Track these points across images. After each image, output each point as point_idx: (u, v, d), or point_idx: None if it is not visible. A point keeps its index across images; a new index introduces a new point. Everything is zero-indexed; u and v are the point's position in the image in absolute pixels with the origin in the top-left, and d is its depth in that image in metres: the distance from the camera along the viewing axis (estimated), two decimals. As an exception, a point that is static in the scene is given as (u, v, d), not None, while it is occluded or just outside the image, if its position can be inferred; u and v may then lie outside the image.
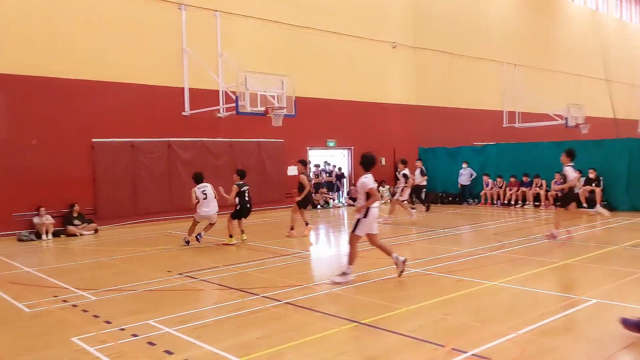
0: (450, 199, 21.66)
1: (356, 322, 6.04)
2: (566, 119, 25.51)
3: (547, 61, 31.80)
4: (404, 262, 8.00)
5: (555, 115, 26.59)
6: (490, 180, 20.16)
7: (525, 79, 30.13)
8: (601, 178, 17.08)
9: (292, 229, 13.20)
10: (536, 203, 18.73)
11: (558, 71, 32.68)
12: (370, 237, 8.08)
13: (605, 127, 30.49)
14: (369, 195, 7.86)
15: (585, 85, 34.33)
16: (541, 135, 26.38)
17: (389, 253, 8.08)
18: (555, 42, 32.85)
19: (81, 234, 14.74)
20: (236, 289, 7.80)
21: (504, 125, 28.84)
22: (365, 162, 8.11)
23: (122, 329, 6.01)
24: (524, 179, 19.21)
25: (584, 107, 26.65)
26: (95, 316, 6.60)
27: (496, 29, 28.88)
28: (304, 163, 14.10)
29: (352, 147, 22.54)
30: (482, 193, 20.32)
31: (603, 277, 8.02)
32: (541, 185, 18.67)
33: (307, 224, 13.33)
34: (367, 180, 7.88)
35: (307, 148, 21.13)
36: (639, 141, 17.57)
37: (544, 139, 21.69)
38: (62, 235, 14.60)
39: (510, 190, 19.48)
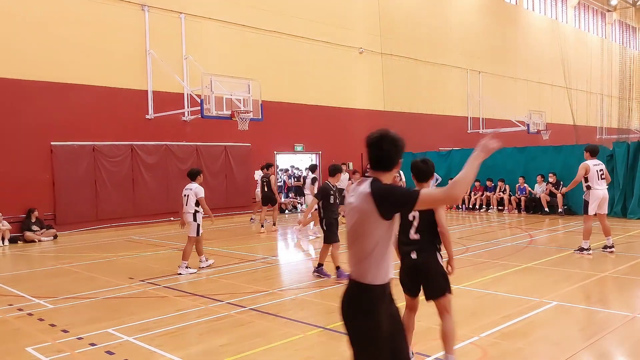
0: (417, 203, 21.79)
1: (321, 327, 6.01)
2: (528, 125, 26.17)
3: (509, 69, 32.54)
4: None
5: (517, 121, 27.22)
6: (455, 185, 20.39)
7: (489, 86, 30.75)
8: (561, 183, 17.51)
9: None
10: (500, 207, 19.07)
11: (520, 78, 33.48)
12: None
13: (566, 133, 31.37)
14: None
15: (546, 93, 35.27)
16: (505, 140, 26.82)
17: None
18: (517, 51, 33.65)
19: (40, 240, 14.27)
20: (200, 296, 7.66)
21: (468, 131, 29.35)
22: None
23: (80, 338, 5.82)
24: (488, 183, 19.53)
25: (545, 113, 27.39)
26: (52, 325, 6.38)
27: (460, 37, 29.39)
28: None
29: (320, 152, 22.55)
30: (447, 197, 20.53)
31: (563, 279, 8.20)
32: (504, 189, 19.02)
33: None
34: None
35: (275, 152, 21.02)
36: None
37: (507, 144, 22.02)
38: (19, 242, 14.11)
39: (475, 194, 19.79)
